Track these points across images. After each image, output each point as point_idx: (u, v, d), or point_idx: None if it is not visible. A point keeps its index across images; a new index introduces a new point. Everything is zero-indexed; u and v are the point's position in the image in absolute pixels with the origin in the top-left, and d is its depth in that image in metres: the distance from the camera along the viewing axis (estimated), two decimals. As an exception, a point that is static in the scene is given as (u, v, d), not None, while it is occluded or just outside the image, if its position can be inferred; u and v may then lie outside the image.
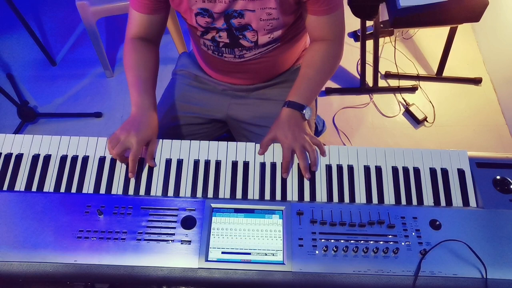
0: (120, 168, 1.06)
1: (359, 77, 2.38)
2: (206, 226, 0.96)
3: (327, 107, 2.32)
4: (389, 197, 1.03)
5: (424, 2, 1.82)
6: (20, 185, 1.04)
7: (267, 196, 1.03)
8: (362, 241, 0.94)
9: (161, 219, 0.97)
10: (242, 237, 0.95)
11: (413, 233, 0.95)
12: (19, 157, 1.08)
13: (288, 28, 1.19)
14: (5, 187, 1.04)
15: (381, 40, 2.47)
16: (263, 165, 1.07)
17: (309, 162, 1.05)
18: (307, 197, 1.03)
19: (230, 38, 1.20)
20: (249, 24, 1.14)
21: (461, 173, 1.06)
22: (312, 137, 1.09)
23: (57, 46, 2.67)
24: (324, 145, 1.09)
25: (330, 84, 2.39)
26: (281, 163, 1.06)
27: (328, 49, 1.21)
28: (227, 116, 1.40)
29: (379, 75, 2.35)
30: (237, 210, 0.98)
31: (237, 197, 1.03)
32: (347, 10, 1.98)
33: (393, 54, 2.39)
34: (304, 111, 1.12)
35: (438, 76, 2.37)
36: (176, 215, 0.97)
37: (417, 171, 1.06)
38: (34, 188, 1.04)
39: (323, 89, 2.35)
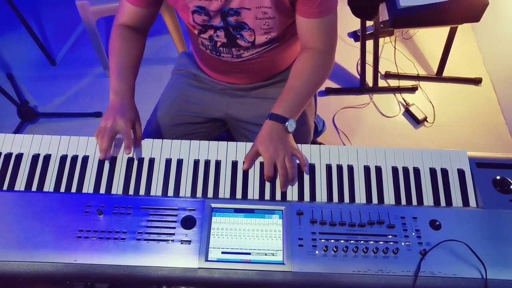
0: (120, 168, 1.06)
1: (359, 77, 2.38)
2: (206, 226, 0.96)
3: (327, 107, 2.32)
4: (389, 197, 1.03)
5: (424, 2, 1.82)
6: (20, 185, 1.04)
7: (267, 196, 1.03)
8: (362, 241, 0.94)
9: (161, 219, 0.97)
10: (242, 237, 0.95)
11: (413, 233, 0.95)
12: (19, 157, 1.08)
13: (285, 28, 1.19)
14: (5, 187, 1.04)
15: (381, 40, 2.47)
16: (263, 165, 1.06)
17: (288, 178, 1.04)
18: (307, 197, 1.03)
19: (227, 37, 1.20)
20: (246, 23, 1.14)
21: (461, 173, 1.06)
22: (295, 149, 1.07)
23: (57, 46, 2.67)
24: (322, 143, 1.09)
25: (330, 84, 2.39)
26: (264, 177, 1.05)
27: (317, 59, 1.17)
28: (226, 115, 1.40)
29: (379, 75, 2.35)
30: (237, 210, 0.98)
31: (237, 197, 1.03)
32: (347, 10, 1.99)
33: (393, 54, 2.39)
34: (287, 123, 1.08)
35: (438, 76, 2.37)
36: (176, 215, 0.97)
37: (417, 171, 1.06)
38: (34, 188, 1.04)
39: (323, 89, 2.35)
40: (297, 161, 1.06)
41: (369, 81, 2.36)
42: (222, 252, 0.93)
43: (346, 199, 1.03)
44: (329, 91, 2.36)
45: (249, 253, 0.94)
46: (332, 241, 0.94)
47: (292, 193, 1.04)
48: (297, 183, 1.05)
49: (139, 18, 1.21)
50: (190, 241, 0.94)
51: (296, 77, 1.17)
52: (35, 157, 1.07)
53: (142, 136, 1.11)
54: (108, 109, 1.10)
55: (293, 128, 1.10)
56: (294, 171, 1.04)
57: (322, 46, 1.18)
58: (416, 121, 2.25)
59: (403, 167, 1.07)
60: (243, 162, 1.07)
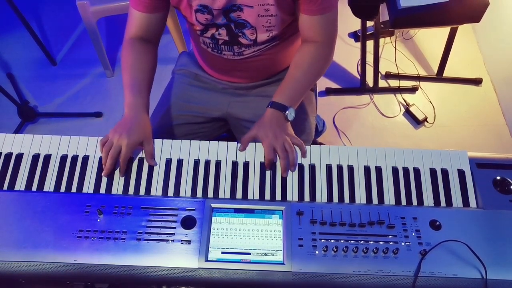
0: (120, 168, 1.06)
1: (359, 77, 2.38)
2: (206, 226, 0.96)
3: (327, 107, 2.32)
4: (389, 198, 1.03)
5: (425, 3, 1.82)
6: (20, 184, 1.04)
7: (267, 196, 1.03)
8: (362, 241, 0.94)
9: (161, 219, 0.97)
10: (242, 237, 0.95)
11: (413, 234, 0.95)
12: (19, 156, 1.08)
13: (286, 26, 1.20)
14: (5, 187, 1.04)
15: (381, 40, 2.46)
16: (263, 165, 1.07)
17: (289, 162, 1.06)
18: (307, 197, 1.03)
19: (229, 36, 1.20)
20: (248, 21, 1.14)
21: (461, 173, 1.06)
22: (293, 137, 1.10)
23: (57, 45, 2.67)
24: (322, 143, 1.09)
25: (330, 84, 2.39)
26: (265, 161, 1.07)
27: (317, 52, 1.20)
28: (227, 114, 1.40)
29: (379, 75, 2.35)
30: (237, 210, 0.98)
31: (237, 197, 1.03)
32: (347, 10, 1.98)
33: (394, 55, 2.38)
34: (287, 112, 1.12)
35: (439, 77, 2.37)
36: (176, 215, 0.97)
37: (417, 171, 1.06)
38: (34, 188, 1.04)
39: (323, 89, 2.35)
40: (297, 148, 1.08)
41: (370, 81, 2.36)
42: (222, 252, 0.93)
43: (346, 199, 1.03)
44: (329, 91, 2.36)
45: (249, 253, 0.94)
46: (332, 241, 0.94)
47: (292, 193, 1.04)
48: (297, 183, 1.05)
49: (149, 25, 1.20)
50: (190, 241, 0.94)
51: (296, 68, 1.20)
52: (35, 157, 1.07)
53: (152, 154, 1.07)
54: (119, 122, 1.09)
55: (292, 117, 1.13)
56: (294, 155, 1.06)
57: (323, 40, 1.20)
58: (417, 122, 2.25)
59: (403, 167, 1.07)
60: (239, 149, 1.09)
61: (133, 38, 1.21)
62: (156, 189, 1.04)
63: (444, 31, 2.20)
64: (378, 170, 1.06)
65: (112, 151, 1.04)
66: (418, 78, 2.39)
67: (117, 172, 1.05)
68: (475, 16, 1.84)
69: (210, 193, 1.03)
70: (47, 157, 1.07)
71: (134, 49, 1.20)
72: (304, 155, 1.08)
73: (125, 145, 1.04)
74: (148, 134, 1.09)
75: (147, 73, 1.20)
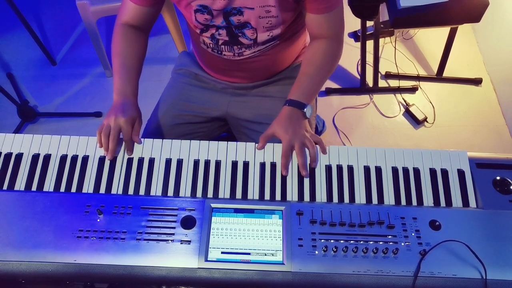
0: (120, 168, 1.06)
1: (359, 77, 2.38)
2: (206, 226, 0.96)
3: (327, 107, 2.32)
4: (389, 198, 1.03)
5: (425, 3, 1.82)
6: (20, 184, 1.04)
7: (267, 196, 1.03)
8: (361, 242, 0.94)
9: (160, 219, 0.97)
10: (242, 237, 0.95)
11: (413, 234, 0.95)
12: (19, 156, 1.08)
13: (287, 26, 1.20)
14: (5, 187, 1.04)
15: (381, 40, 2.46)
16: (263, 165, 1.07)
17: (309, 159, 1.06)
18: (307, 197, 1.03)
19: (229, 36, 1.20)
20: (248, 22, 1.14)
21: (461, 173, 1.06)
22: (312, 135, 1.10)
23: (57, 45, 2.67)
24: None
25: (330, 84, 2.39)
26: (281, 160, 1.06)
27: (328, 48, 1.21)
28: (227, 113, 1.40)
29: (379, 75, 2.35)
30: (237, 210, 0.98)
31: (237, 197, 1.03)
32: (347, 10, 1.98)
33: (393, 55, 2.39)
34: (305, 109, 1.13)
35: (438, 77, 2.37)
36: (176, 215, 0.97)
37: (417, 171, 1.06)
38: (34, 188, 1.04)
39: (323, 89, 2.35)
40: (317, 146, 1.08)
41: (369, 81, 2.36)
42: (222, 252, 0.93)
43: (346, 199, 1.03)
44: (329, 91, 2.36)
45: (248, 253, 0.94)
46: (332, 241, 0.94)
47: (292, 193, 1.04)
48: (297, 183, 1.04)
49: (142, 16, 1.22)
50: (190, 241, 0.94)
51: (309, 64, 1.20)
52: (35, 157, 1.07)
53: (139, 133, 1.12)
54: (110, 108, 1.12)
55: (310, 114, 1.14)
56: (315, 151, 1.06)
57: (331, 36, 1.21)
58: (416, 122, 2.25)
59: (403, 168, 1.07)
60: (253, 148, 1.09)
61: (125, 24, 1.23)
62: (156, 189, 1.04)
63: (444, 31, 2.20)
64: (378, 170, 1.06)
65: (113, 132, 1.06)
66: (418, 78, 2.39)
67: (117, 172, 1.05)
68: (475, 16, 1.84)
69: (210, 193, 1.03)
70: (47, 157, 1.07)
71: (126, 35, 1.22)
72: (324, 152, 1.08)
73: (124, 122, 1.07)
74: (139, 114, 1.14)
75: (137, 60, 1.22)
